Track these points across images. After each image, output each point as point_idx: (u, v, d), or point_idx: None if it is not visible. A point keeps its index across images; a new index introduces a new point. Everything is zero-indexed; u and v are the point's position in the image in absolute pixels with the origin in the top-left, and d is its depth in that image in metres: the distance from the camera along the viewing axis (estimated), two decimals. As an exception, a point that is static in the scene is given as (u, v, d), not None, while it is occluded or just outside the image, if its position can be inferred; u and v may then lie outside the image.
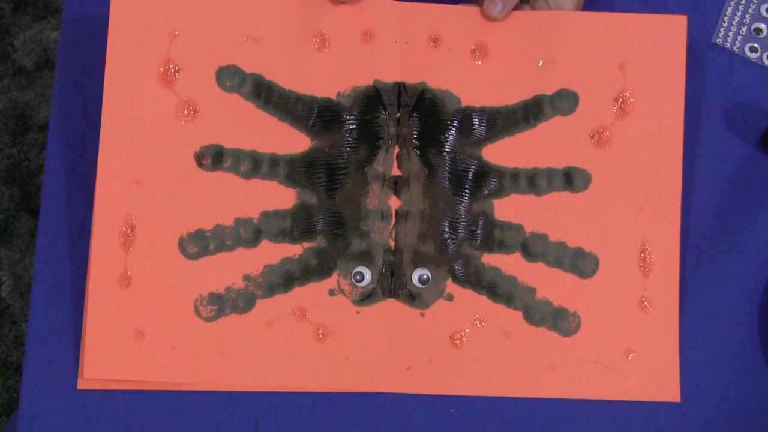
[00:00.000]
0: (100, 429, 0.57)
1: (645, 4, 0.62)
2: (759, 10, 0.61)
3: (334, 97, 0.57)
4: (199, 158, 0.57)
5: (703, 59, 0.61)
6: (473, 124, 0.58)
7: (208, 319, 0.56)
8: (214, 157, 0.57)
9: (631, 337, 0.56)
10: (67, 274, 0.59)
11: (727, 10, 0.61)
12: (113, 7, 0.57)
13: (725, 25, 0.61)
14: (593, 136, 0.57)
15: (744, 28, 0.61)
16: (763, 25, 0.61)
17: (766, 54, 0.60)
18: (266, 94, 0.57)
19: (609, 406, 0.56)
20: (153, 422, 0.57)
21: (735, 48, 0.61)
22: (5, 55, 1.39)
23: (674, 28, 0.57)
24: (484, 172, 0.57)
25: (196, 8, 0.57)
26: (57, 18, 1.40)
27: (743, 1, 0.61)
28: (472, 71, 0.58)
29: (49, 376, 0.58)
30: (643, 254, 0.56)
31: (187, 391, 0.57)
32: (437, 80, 0.58)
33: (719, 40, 0.61)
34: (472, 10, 0.58)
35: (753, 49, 0.61)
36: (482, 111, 0.58)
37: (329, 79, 0.57)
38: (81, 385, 0.57)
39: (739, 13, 0.61)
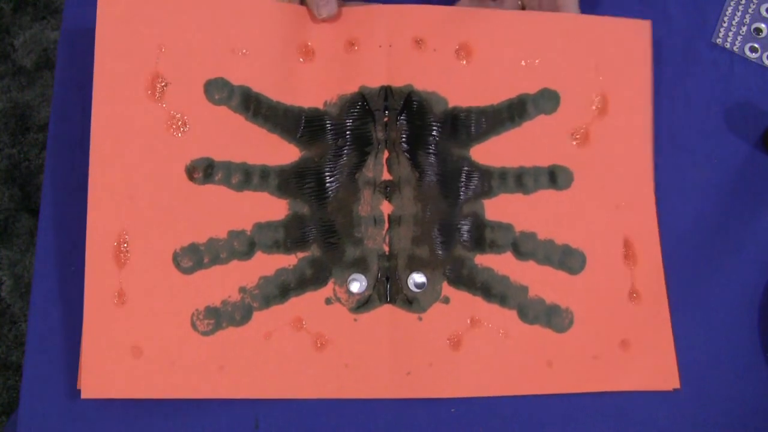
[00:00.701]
0: (100, 429, 0.57)
1: (644, 4, 0.62)
2: (759, 10, 0.61)
3: (321, 106, 0.57)
4: (191, 172, 0.56)
5: (703, 59, 0.61)
6: (461, 125, 0.58)
7: (205, 333, 0.55)
8: (205, 171, 0.56)
9: (624, 328, 0.56)
10: (67, 274, 0.59)
11: (727, 10, 0.61)
12: (99, 24, 0.56)
13: (725, 25, 0.61)
14: (573, 134, 0.58)
15: (744, 28, 0.61)
16: (763, 25, 0.61)
17: (766, 54, 0.60)
18: (255, 106, 0.57)
19: (608, 402, 0.56)
20: (153, 422, 0.57)
21: (735, 48, 0.61)
22: (5, 55, 1.39)
23: (639, 31, 0.59)
24: (473, 172, 0.57)
25: (182, 22, 0.57)
26: (57, 18, 1.40)
27: (743, 1, 0.61)
28: (457, 72, 0.58)
29: (49, 376, 0.58)
30: (626, 248, 0.57)
31: (165, 398, 0.56)
32: (423, 82, 0.58)
33: (719, 40, 0.61)
34: (453, 9, 0.58)
35: (753, 49, 0.61)
36: (469, 111, 0.58)
37: (315, 89, 0.57)
38: (81, 385, 0.57)
39: (739, 13, 0.61)
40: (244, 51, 0.57)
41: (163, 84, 0.56)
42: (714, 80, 0.60)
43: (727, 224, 0.58)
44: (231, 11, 0.57)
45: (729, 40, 0.61)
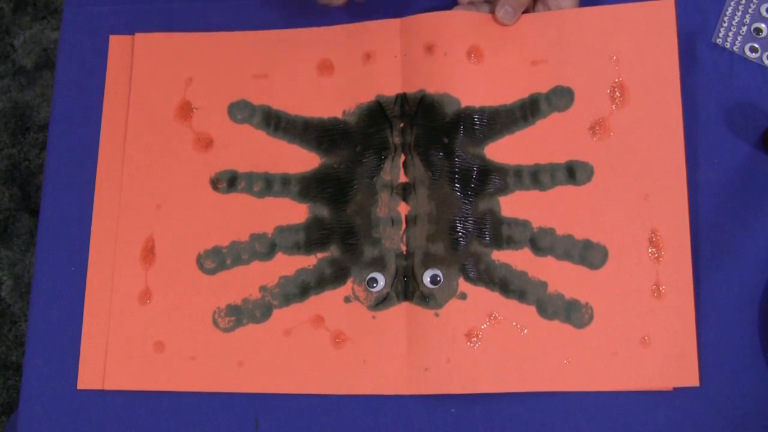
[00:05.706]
0: (99, 429, 0.57)
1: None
2: (759, 10, 0.61)
3: (340, 116, 0.60)
4: (215, 183, 0.60)
5: (703, 59, 0.61)
6: (474, 124, 0.58)
7: (226, 330, 0.57)
8: (228, 181, 0.60)
9: (646, 324, 0.55)
10: (67, 274, 0.59)
11: (727, 10, 0.61)
12: (135, 61, 0.62)
13: (725, 25, 0.61)
14: (592, 128, 0.58)
15: (744, 28, 0.61)
16: (763, 25, 0.61)
17: (766, 54, 0.60)
18: (275, 122, 0.60)
19: (605, 401, 0.56)
20: (153, 422, 0.57)
21: (735, 48, 0.61)
22: (5, 55, 1.39)
23: (662, 12, 0.58)
24: (488, 170, 0.58)
25: (208, 55, 0.62)
26: (57, 18, 1.40)
27: (743, 1, 0.61)
28: (468, 73, 0.59)
29: (49, 376, 0.58)
30: (652, 241, 0.56)
31: (186, 391, 0.57)
32: (435, 85, 0.58)
33: (719, 40, 0.61)
34: (463, 14, 0.59)
35: (753, 49, 0.60)
36: (482, 111, 0.58)
37: (334, 100, 0.60)
38: (81, 385, 0.57)
39: (739, 13, 0.61)
40: (265, 75, 0.61)
41: (190, 110, 0.61)
42: (714, 80, 0.60)
43: (727, 224, 0.58)
44: (252, 42, 0.61)
45: (729, 40, 0.61)
